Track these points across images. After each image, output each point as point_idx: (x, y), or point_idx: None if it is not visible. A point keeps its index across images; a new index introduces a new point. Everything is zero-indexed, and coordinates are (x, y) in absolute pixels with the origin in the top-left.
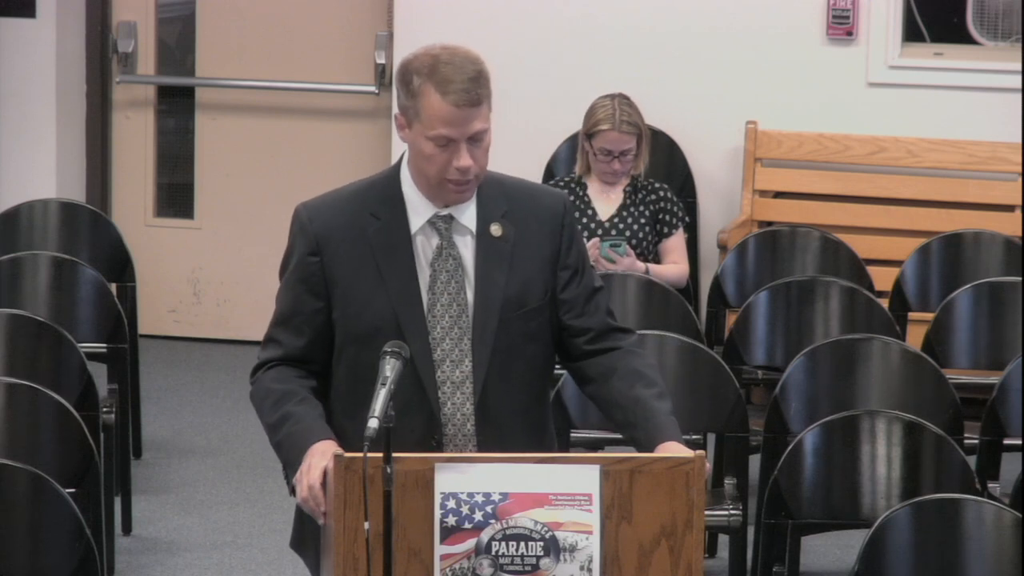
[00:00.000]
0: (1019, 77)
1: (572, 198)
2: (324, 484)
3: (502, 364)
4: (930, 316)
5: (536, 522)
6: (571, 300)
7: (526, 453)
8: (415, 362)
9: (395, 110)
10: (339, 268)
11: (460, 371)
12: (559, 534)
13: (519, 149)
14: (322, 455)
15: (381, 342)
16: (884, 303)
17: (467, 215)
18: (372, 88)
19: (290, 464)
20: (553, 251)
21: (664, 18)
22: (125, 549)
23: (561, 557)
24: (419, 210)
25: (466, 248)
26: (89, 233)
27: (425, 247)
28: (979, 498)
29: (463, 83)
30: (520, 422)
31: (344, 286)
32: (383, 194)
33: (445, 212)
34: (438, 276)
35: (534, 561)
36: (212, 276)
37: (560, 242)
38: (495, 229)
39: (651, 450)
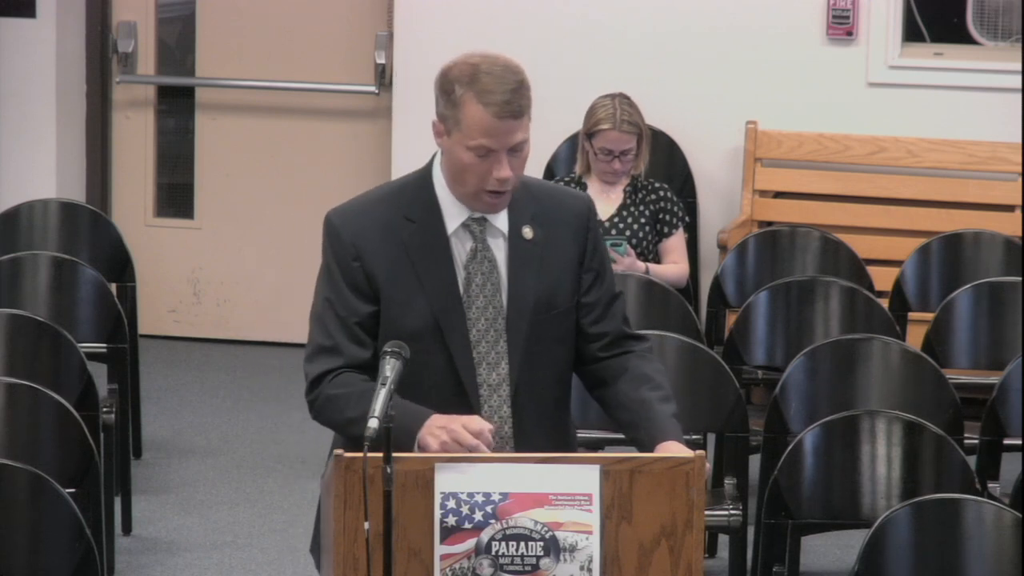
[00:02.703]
0: (1019, 77)
1: None
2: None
3: (533, 367)
4: (930, 316)
5: (536, 522)
6: (592, 304)
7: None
8: (456, 364)
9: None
10: (377, 272)
11: (497, 374)
12: (559, 534)
13: None
14: (457, 423)
15: (421, 344)
16: (884, 303)
17: (499, 217)
18: (372, 88)
19: (405, 431)
20: (579, 253)
21: (664, 18)
22: (125, 549)
23: (561, 557)
24: (453, 212)
25: (499, 250)
26: (89, 233)
27: (459, 249)
28: (979, 498)
29: (505, 94)
30: (549, 424)
31: (383, 289)
32: (416, 196)
33: (479, 215)
34: (473, 278)
35: (534, 561)
36: (212, 276)
37: (585, 244)
38: (527, 231)
39: (651, 450)
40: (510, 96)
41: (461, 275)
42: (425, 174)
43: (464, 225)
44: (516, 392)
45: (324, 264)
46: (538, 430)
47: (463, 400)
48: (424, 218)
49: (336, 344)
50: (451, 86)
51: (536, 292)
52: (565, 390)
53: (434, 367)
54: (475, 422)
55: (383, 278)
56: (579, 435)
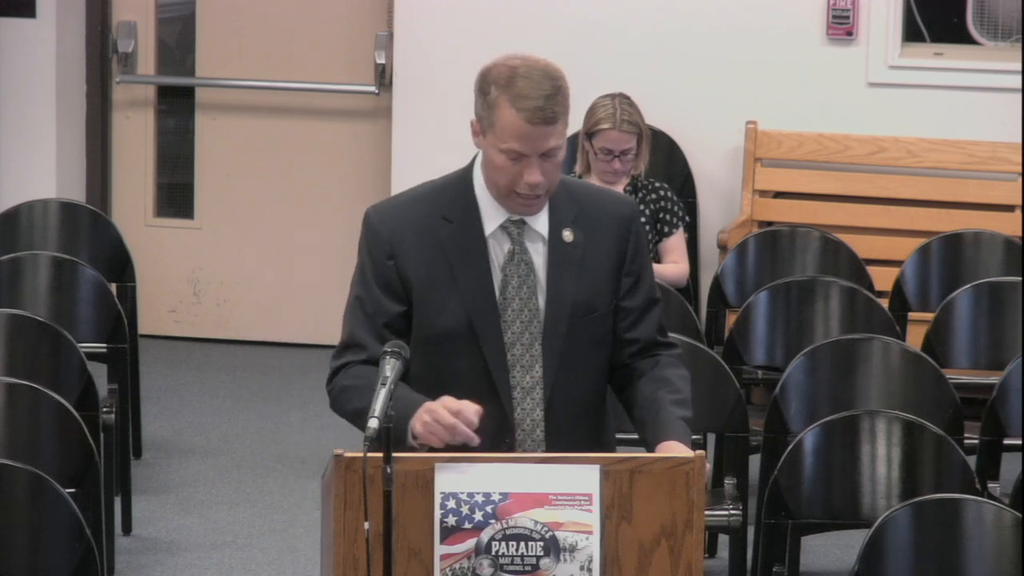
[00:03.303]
0: (1019, 77)
1: None
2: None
3: (569, 370)
4: (930, 316)
5: (536, 522)
6: (628, 308)
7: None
8: (489, 366)
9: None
10: (412, 271)
11: (530, 376)
12: (559, 534)
13: None
14: (440, 404)
15: (455, 345)
16: (884, 303)
17: (539, 220)
18: (372, 88)
19: (403, 421)
20: (619, 257)
21: (664, 18)
22: (125, 549)
23: (561, 557)
24: (491, 214)
25: (537, 253)
26: (89, 233)
27: (496, 251)
28: (979, 498)
29: (538, 100)
30: (584, 427)
31: (418, 289)
32: (455, 196)
33: (517, 216)
34: (509, 281)
35: (534, 561)
36: (212, 276)
37: (627, 248)
38: (567, 235)
39: (654, 450)
40: (543, 102)
41: (498, 277)
42: (466, 175)
43: (502, 227)
44: (551, 396)
45: (359, 260)
46: (572, 434)
47: (495, 402)
48: (462, 219)
49: (360, 341)
50: (488, 87)
51: (575, 295)
52: (602, 394)
53: (467, 368)
54: (457, 403)
55: (418, 277)
56: None
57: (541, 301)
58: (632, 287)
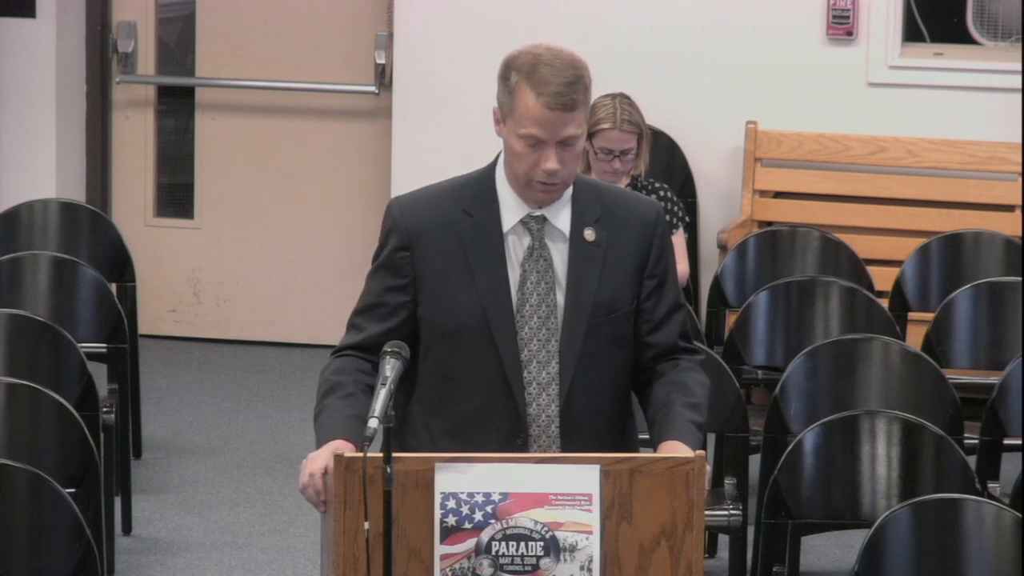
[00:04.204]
0: (1019, 77)
1: None
2: (325, 475)
3: (589, 368)
4: (930, 316)
5: (536, 522)
6: (650, 311)
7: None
8: (502, 361)
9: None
10: (429, 264)
11: (546, 372)
12: (559, 534)
13: None
14: (333, 450)
15: (468, 340)
16: (884, 303)
17: (561, 217)
18: (372, 88)
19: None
20: (642, 259)
21: (664, 18)
22: (125, 549)
23: (561, 557)
24: (512, 209)
25: (557, 250)
26: (89, 233)
27: (516, 247)
28: (979, 498)
29: (559, 86)
30: (603, 425)
31: (433, 282)
32: (477, 191)
33: (538, 213)
34: (528, 276)
35: (534, 561)
36: (212, 276)
37: (650, 251)
38: (588, 233)
39: (657, 449)
40: (563, 89)
41: (517, 272)
42: (489, 170)
43: (523, 222)
44: (569, 392)
45: (378, 245)
46: (590, 431)
47: (509, 396)
48: (482, 213)
49: (358, 322)
50: (510, 73)
51: (596, 294)
52: (624, 393)
53: (480, 362)
54: (315, 463)
55: (435, 270)
56: None
57: (560, 298)
58: (655, 290)
